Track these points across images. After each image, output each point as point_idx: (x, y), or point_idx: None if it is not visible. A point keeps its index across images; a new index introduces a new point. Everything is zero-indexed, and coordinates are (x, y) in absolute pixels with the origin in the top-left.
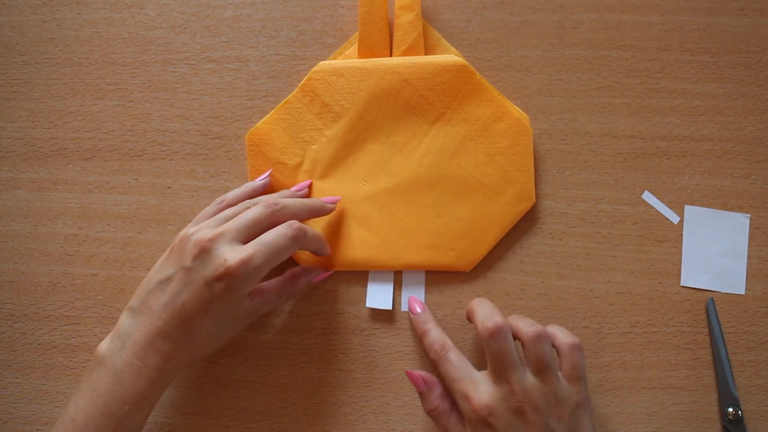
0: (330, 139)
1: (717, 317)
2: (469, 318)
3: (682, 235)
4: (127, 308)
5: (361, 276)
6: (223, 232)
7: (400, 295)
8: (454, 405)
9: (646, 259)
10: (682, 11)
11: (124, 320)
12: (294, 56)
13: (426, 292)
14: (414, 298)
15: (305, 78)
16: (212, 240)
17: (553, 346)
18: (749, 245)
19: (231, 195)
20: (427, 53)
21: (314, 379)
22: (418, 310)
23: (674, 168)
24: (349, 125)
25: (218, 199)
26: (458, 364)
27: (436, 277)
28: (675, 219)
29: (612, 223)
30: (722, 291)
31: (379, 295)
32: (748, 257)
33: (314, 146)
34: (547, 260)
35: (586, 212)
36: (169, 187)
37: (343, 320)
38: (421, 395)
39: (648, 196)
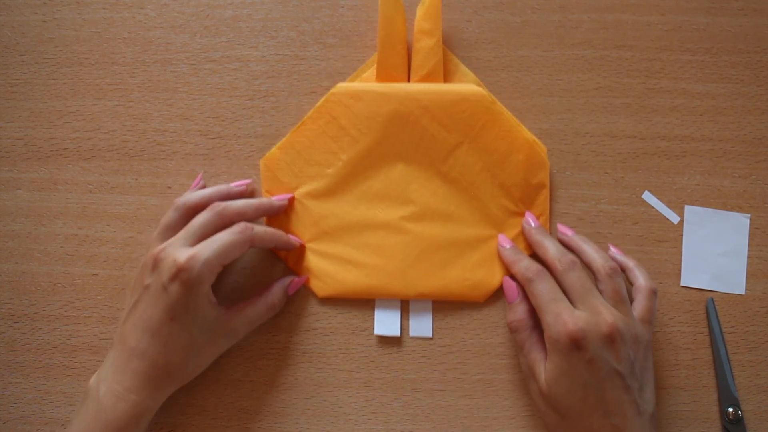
0: (346, 164)
1: (717, 317)
2: (533, 247)
3: (682, 235)
4: (112, 344)
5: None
6: (172, 241)
7: (407, 322)
8: (536, 325)
9: (646, 259)
10: (682, 11)
11: (108, 354)
12: (294, 56)
13: (434, 319)
14: (503, 237)
15: (322, 99)
16: (162, 250)
17: (631, 284)
18: (749, 245)
19: (194, 198)
20: (445, 79)
21: (314, 379)
22: (507, 246)
23: (674, 168)
24: (365, 150)
25: (178, 204)
26: (555, 287)
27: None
28: (675, 219)
29: (612, 223)
30: (722, 291)
31: (387, 322)
32: (748, 257)
33: (329, 170)
34: None
35: (586, 212)
36: (169, 187)
37: (344, 320)
38: (511, 306)
39: (648, 196)
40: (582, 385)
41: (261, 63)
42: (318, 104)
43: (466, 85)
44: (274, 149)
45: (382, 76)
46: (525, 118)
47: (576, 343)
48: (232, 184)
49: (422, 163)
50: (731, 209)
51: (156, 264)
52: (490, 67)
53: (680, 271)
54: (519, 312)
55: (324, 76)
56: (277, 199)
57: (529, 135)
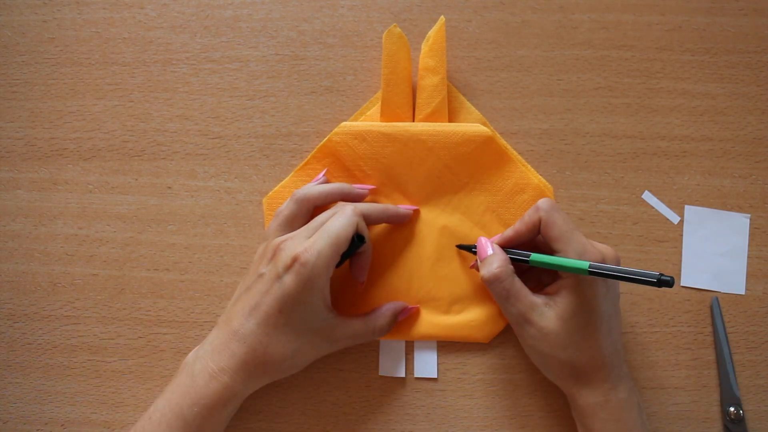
0: None
1: (721, 316)
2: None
3: (682, 235)
4: (216, 324)
5: None
6: (294, 235)
7: (412, 362)
8: (515, 272)
9: (646, 259)
10: (682, 11)
11: (212, 332)
12: (294, 56)
13: (438, 362)
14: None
15: (325, 139)
16: (284, 241)
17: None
18: (749, 245)
19: (314, 192)
20: (450, 117)
21: (314, 379)
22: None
23: (674, 168)
24: (369, 191)
25: (298, 196)
26: (569, 218)
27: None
28: (675, 219)
29: (612, 223)
30: (722, 291)
31: (391, 364)
32: (748, 257)
33: None
34: None
35: (586, 212)
36: (169, 187)
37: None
38: (486, 260)
39: (648, 196)
40: (600, 313)
41: (261, 63)
42: (321, 143)
43: (471, 125)
44: (277, 187)
45: (387, 114)
46: (525, 118)
47: None
48: (356, 186)
49: (427, 204)
50: (731, 209)
51: (275, 254)
52: (490, 67)
53: (680, 271)
54: (498, 261)
55: (324, 76)
56: (404, 208)
57: (535, 174)
